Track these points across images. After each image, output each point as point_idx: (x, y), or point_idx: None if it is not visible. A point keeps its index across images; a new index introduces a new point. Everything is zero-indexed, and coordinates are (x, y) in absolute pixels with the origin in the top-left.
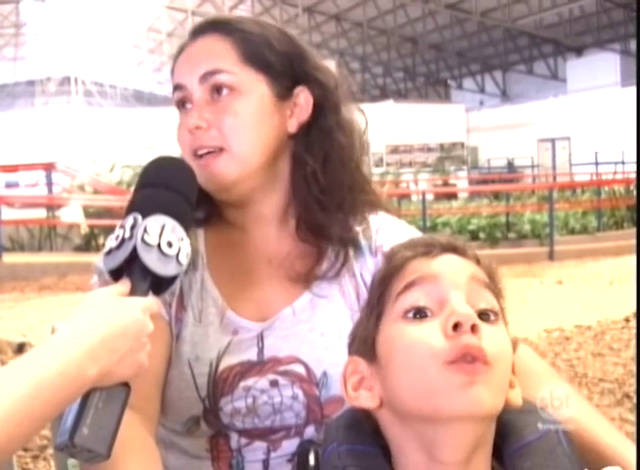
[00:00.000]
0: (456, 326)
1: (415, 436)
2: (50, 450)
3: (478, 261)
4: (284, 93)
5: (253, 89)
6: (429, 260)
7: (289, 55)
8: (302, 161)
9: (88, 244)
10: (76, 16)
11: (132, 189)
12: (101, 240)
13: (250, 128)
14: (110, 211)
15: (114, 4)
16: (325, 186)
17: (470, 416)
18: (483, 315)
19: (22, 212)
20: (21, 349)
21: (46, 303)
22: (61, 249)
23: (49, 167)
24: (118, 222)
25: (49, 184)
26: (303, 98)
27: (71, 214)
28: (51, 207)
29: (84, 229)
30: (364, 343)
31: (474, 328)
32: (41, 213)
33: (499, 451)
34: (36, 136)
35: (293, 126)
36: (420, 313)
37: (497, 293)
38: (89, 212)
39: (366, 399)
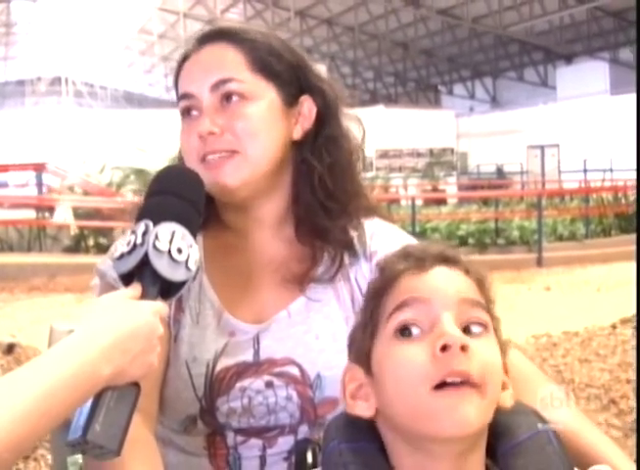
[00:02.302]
0: (445, 347)
1: (408, 445)
2: (40, 451)
3: (467, 271)
4: (290, 101)
5: (263, 95)
6: (420, 276)
7: (294, 65)
8: (309, 166)
9: (78, 245)
10: (68, 16)
11: (122, 191)
12: (90, 241)
13: (261, 132)
14: (99, 212)
15: (105, 5)
16: (332, 191)
17: (458, 437)
18: (473, 326)
19: (12, 213)
20: (10, 349)
21: (35, 303)
22: (50, 250)
23: (39, 168)
24: (109, 225)
25: (39, 185)
26: (307, 107)
27: (61, 215)
28: (41, 207)
29: (74, 230)
30: (361, 354)
31: (463, 348)
32: (31, 214)
33: (493, 450)
34: (26, 136)
35: (298, 133)
36: (411, 332)
37: (488, 301)
38: (79, 214)
39: (362, 410)
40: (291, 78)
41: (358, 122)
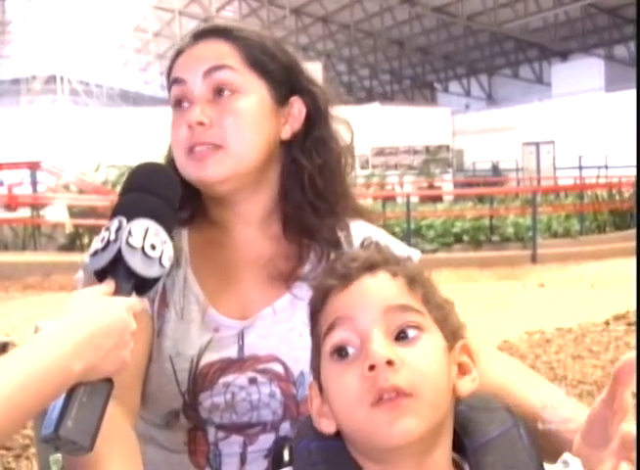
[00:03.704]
0: (372, 367)
1: (367, 453)
2: (32, 450)
3: (394, 273)
4: (281, 100)
5: (254, 91)
6: (344, 293)
7: (286, 66)
8: (299, 166)
9: (73, 243)
10: (63, 14)
11: (117, 189)
12: (85, 239)
13: (249, 128)
14: (94, 210)
15: (100, 3)
16: (321, 191)
17: (403, 445)
18: (402, 334)
19: (6, 212)
20: (4, 348)
21: (30, 302)
22: (45, 248)
23: (34, 166)
24: (104, 223)
25: (34, 183)
26: (297, 108)
27: (56, 214)
28: (35, 206)
29: (69, 229)
30: (314, 371)
31: (390, 363)
32: (25, 213)
33: (464, 446)
34: (21, 135)
35: (287, 133)
36: (342, 352)
37: (425, 295)
38: (74, 212)
39: (325, 426)
40: (282, 78)
41: (347, 125)
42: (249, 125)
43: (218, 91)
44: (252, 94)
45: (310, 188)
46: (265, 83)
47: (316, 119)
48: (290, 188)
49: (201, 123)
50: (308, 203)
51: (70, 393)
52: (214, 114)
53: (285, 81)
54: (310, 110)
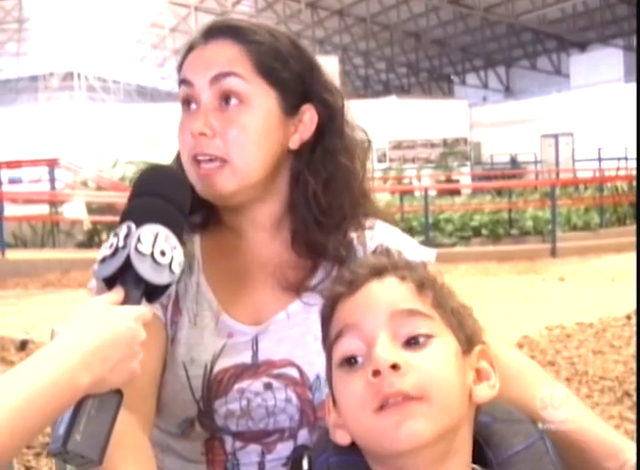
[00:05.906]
0: (377, 372)
1: (382, 462)
2: None
3: (403, 277)
4: (290, 110)
5: (262, 102)
6: (351, 300)
7: (301, 73)
8: (304, 180)
9: (91, 240)
10: (79, 11)
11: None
12: (104, 236)
13: (254, 143)
14: (112, 207)
15: None
16: (325, 207)
17: (413, 449)
18: (412, 341)
19: (25, 209)
20: (23, 346)
21: (49, 299)
22: (64, 245)
23: (52, 163)
24: (114, 229)
25: (52, 180)
26: (309, 116)
27: (74, 211)
28: (54, 203)
29: (87, 225)
30: (328, 382)
31: (395, 367)
32: (44, 210)
33: (489, 459)
34: (39, 132)
35: (295, 143)
36: (352, 361)
37: (434, 301)
38: (92, 209)
39: (340, 437)
40: (295, 87)
41: (364, 133)
42: (253, 140)
43: (225, 98)
44: (260, 106)
45: (315, 204)
46: (275, 93)
47: (328, 129)
48: (296, 201)
49: (203, 134)
50: (313, 219)
51: (79, 405)
52: (219, 123)
53: (297, 90)
54: (323, 119)
